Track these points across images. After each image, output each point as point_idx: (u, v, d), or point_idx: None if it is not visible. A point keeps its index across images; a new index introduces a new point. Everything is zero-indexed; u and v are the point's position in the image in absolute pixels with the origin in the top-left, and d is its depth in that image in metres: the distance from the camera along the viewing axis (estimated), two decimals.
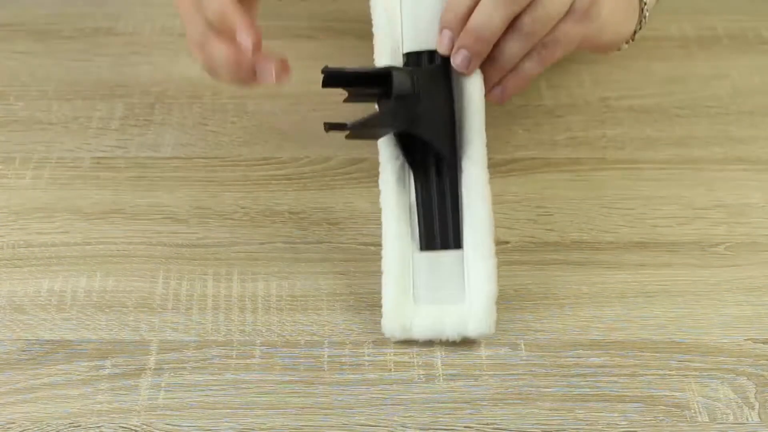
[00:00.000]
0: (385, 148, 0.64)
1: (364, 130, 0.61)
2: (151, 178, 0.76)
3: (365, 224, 0.72)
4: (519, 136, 0.80)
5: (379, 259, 0.67)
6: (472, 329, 0.62)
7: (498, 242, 0.70)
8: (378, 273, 0.68)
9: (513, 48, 0.62)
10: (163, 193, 0.75)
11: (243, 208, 0.74)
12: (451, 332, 0.62)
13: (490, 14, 0.60)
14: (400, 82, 0.60)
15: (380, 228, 0.70)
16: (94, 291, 0.67)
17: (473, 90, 0.62)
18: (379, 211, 0.71)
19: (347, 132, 0.59)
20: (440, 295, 0.63)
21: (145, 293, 0.67)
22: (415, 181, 0.64)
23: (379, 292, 0.67)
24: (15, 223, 0.72)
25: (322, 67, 0.61)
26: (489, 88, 0.63)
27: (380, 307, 0.66)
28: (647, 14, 0.70)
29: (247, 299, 0.67)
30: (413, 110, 0.61)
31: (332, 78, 0.61)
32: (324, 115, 0.80)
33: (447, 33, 0.61)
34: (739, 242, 0.72)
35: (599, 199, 0.75)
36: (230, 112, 0.82)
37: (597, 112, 0.83)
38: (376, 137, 0.64)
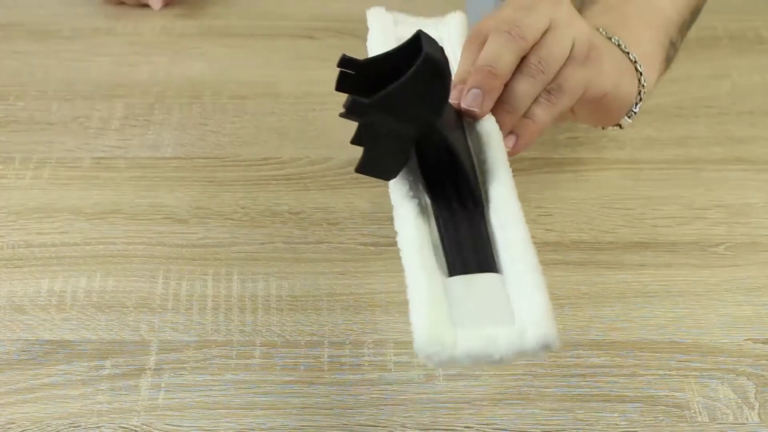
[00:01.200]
0: (397, 189, 0.58)
1: (380, 146, 0.56)
2: (151, 178, 0.76)
3: (365, 224, 0.72)
4: None
5: (379, 258, 0.68)
6: (531, 337, 0.49)
7: None
8: (378, 273, 0.68)
9: (522, 88, 0.62)
10: (163, 193, 0.75)
11: (243, 208, 0.74)
12: (506, 348, 0.50)
13: (499, 50, 0.61)
14: (430, 43, 0.55)
15: (380, 228, 0.71)
16: (94, 291, 0.67)
17: (490, 128, 0.60)
18: (379, 210, 0.72)
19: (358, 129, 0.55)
20: (483, 318, 0.52)
21: (145, 293, 0.67)
22: (435, 213, 0.57)
23: (380, 292, 0.67)
24: (15, 223, 0.72)
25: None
26: (503, 136, 0.61)
27: (380, 306, 0.66)
28: (644, 90, 0.70)
29: (247, 299, 0.67)
30: (440, 94, 0.55)
31: (348, 64, 0.56)
32: (324, 115, 0.81)
33: (459, 86, 0.61)
34: (739, 242, 0.72)
35: (599, 199, 0.75)
36: (230, 112, 0.82)
37: None
38: (394, 159, 0.58)
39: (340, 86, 0.56)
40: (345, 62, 0.56)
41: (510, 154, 0.61)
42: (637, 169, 0.77)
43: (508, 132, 0.62)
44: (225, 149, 0.79)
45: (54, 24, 0.92)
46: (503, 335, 0.50)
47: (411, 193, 0.57)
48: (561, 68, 0.63)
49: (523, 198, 0.74)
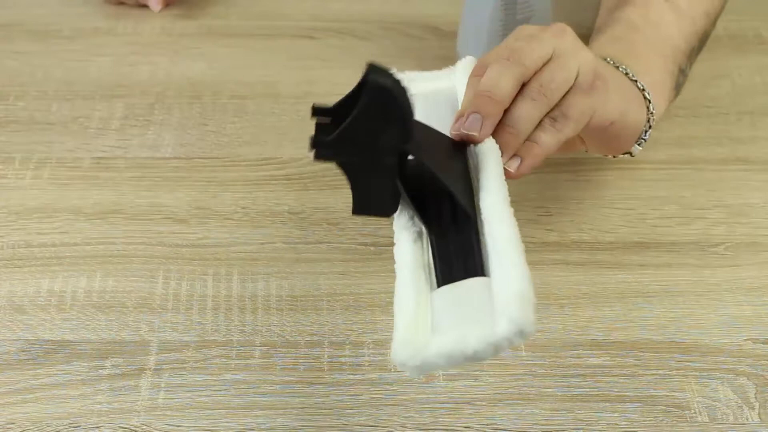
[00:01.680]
0: (397, 221, 0.58)
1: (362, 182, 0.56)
2: (151, 178, 0.76)
3: (365, 224, 0.72)
4: None
5: (379, 258, 0.68)
6: (501, 326, 0.49)
7: None
8: (378, 273, 0.68)
9: (523, 109, 0.62)
10: (163, 193, 0.75)
11: (243, 208, 0.74)
12: (477, 342, 0.49)
13: (497, 76, 0.61)
14: (378, 72, 0.54)
15: (379, 228, 0.71)
16: (94, 291, 0.67)
17: (487, 147, 0.60)
18: None
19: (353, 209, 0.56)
20: (461, 321, 0.52)
21: (145, 293, 0.67)
22: (429, 234, 0.57)
23: (380, 292, 0.67)
24: (15, 223, 0.72)
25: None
26: (506, 159, 0.61)
27: (380, 306, 0.66)
28: (653, 118, 0.70)
29: (247, 299, 0.67)
30: (399, 117, 0.55)
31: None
32: None
33: (459, 118, 0.61)
34: (739, 242, 0.72)
35: (599, 199, 0.75)
36: (230, 112, 0.82)
37: None
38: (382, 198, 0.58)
39: (318, 136, 0.56)
40: (317, 111, 0.56)
41: (514, 176, 0.61)
42: (637, 169, 0.77)
43: (512, 154, 0.62)
44: (225, 149, 0.79)
45: (54, 24, 0.92)
46: (475, 331, 0.49)
47: (410, 223, 0.57)
48: (565, 96, 0.63)
49: (523, 198, 0.74)
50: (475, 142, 0.60)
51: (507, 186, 0.57)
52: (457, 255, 0.55)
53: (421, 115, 0.57)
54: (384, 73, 0.54)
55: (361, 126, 0.54)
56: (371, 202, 0.57)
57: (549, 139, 0.63)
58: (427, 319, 0.52)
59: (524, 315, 0.49)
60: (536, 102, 0.62)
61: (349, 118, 0.54)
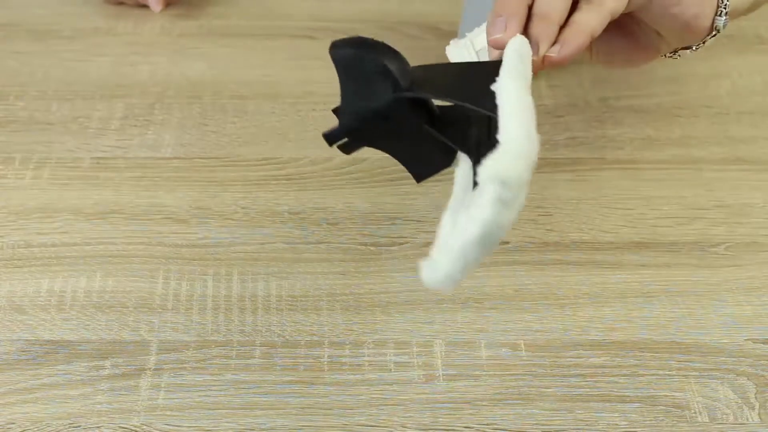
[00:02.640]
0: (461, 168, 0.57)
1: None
2: (151, 178, 0.76)
3: (365, 224, 0.72)
4: None
5: (379, 258, 0.68)
6: (484, 193, 0.45)
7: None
8: (378, 273, 0.68)
9: None
10: (163, 193, 0.75)
11: (243, 208, 0.74)
12: (473, 225, 0.46)
13: None
14: (341, 42, 0.54)
15: (379, 228, 0.71)
16: (94, 291, 0.67)
17: (509, 47, 0.56)
18: (379, 210, 0.72)
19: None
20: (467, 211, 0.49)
21: (145, 293, 0.67)
22: (470, 159, 0.55)
23: (379, 292, 0.67)
24: (15, 223, 0.72)
25: (328, 55, 0.56)
26: (546, 48, 0.58)
27: (380, 306, 0.66)
28: (728, 3, 0.64)
29: (247, 299, 0.67)
30: (377, 68, 0.54)
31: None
32: (324, 115, 0.81)
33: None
34: (739, 242, 0.72)
35: (599, 199, 0.75)
36: (230, 112, 0.82)
37: (597, 112, 0.83)
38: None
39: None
40: (330, 138, 0.56)
41: (558, 61, 0.58)
42: (637, 169, 0.77)
43: (550, 42, 0.58)
44: (225, 149, 0.79)
45: (54, 24, 0.92)
46: (469, 214, 0.46)
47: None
48: None
49: None
50: (504, 45, 0.57)
51: (527, 69, 0.54)
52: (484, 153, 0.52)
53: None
54: (342, 43, 0.53)
55: (352, 99, 0.54)
56: (423, 163, 0.56)
57: (588, 17, 0.59)
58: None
59: (499, 165, 0.45)
60: None
61: (341, 98, 0.53)
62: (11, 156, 0.78)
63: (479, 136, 0.55)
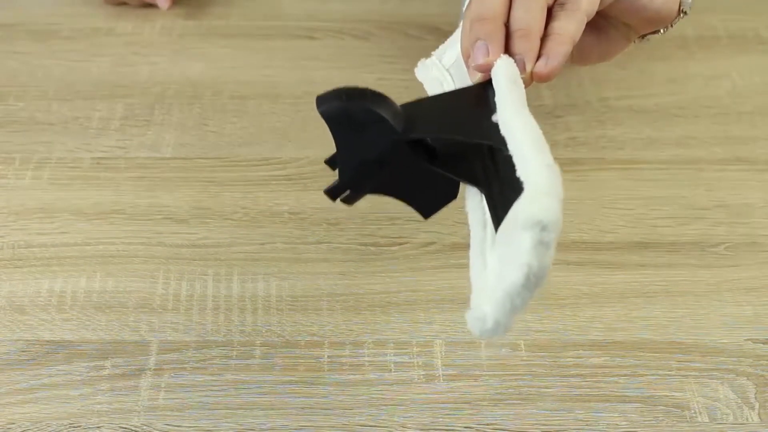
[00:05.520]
0: (470, 200, 0.56)
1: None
2: (151, 178, 0.76)
3: (365, 224, 0.72)
4: None
5: (379, 258, 0.68)
6: (524, 240, 0.44)
7: None
8: (378, 273, 0.68)
9: (521, 9, 0.57)
10: (163, 193, 0.75)
11: (243, 208, 0.74)
12: (516, 274, 0.45)
13: (481, 1, 0.58)
14: (328, 94, 0.54)
15: (379, 228, 0.71)
16: (94, 291, 0.67)
17: (496, 68, 0.55)
18: (379, 210, 0.72)
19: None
20: (504, 259, 0.48)
21: (145, 293, 0.67)
22: (481, 192, 0.55)
23: (380, 292, 0.67)
24: (15, 223, 0.72)
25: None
26: (531, 65, 0.57)
27: (380, 307, 0.66)
28: None
29: (247, 299, 0.67)
30: (367, 114, 0.53)
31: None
32: None
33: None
34: (739, 242, 0.72)
35: (599, 199, 0.75)
36: (230, 112, 0.82)
37: (597, 112, 0.83)
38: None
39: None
40: (333, 194, 0.57)
41: (545, 75, 0.57)
42: (637, 169, 0.77)
43: (535, 57, 0.57)
44: (225, 149, 0.79)
45: (54, 24, 0.92)
46: (511, 264, 0.44)
47: (474, 189, 0.55)
48: None
49: None
50: (489, 69, 0.56)
51: (521, 92, 0.53)
52: (501, 192, 0.52)
53: (460, 81, 0.55)
54: (328, 97, 0.53)
55: (349, 151, 0.54)
56: (428, 199, 0.56)
57: (567, 24, 0.58)
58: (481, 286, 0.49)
59: (535, 207, 0.44)
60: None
61: (337, 152, 0.53)
62: (11, 156, 0.78)
63: (484, 165, 0.55)
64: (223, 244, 0.71)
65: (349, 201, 0.57)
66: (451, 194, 0.56)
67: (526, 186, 0.46)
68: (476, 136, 0.53)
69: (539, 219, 0.43)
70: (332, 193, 0.56)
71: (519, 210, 0.45)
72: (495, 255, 0.50)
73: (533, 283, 0.45)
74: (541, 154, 0.48)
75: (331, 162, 0.56)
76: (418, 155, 0.55)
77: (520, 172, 0.47)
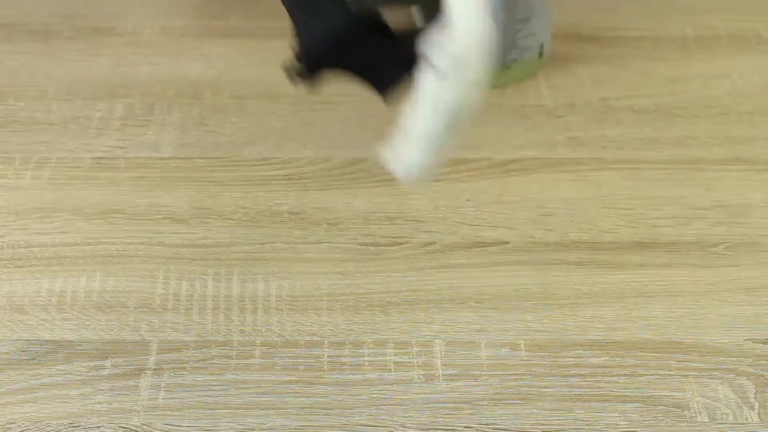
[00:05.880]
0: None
1: None
2: (151, 178, 0.76)
3: (365, 224, 0.72)
4: (519, 136, 0.80)
5: (379, 258, 0.68)
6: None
7: (498, 242, 0.71)
8: (378, 273, 0.68)
9: None
10: (163, 193, 0.75)
11: (243, 208, 0.74)
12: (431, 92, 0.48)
13: None
14: None
15: (379, 228, 0.71)
16: (94, 291, 0.67)
17: None
18: (379, 210, 0.72)
19: None
20: None
21: (145, 293, 0.67)
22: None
23: (379, 292, 0.67)
24: (15, 223, 0.72)
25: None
26: None
27: (380, 306, 0.66)
28: None
29: (247, 299, 0.67)
30: None
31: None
32: (324, 115, 0.81)
33: None
34: (739, 242, 0.72)
35: (599, 199, 0.75)
36: (230, 112, 0.82)
37: (597, 112, 0.83)
38: None
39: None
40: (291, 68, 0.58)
41: None
42: (637, 169, 0.77)
43: None
44: (225, 149, 0.79)
45: (54, 24, 0.92)
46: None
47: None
48: None
49: (523, 198, 0.74)
50: None
51: None
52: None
53: None
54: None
55: (307, 29, 0.58)
56: (385, 79, 0.56)
57: None
58: None
59: (454, 48, 0.46)
60: None
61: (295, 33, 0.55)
62: (11, 156, 0.78)
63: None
64: (223, 244, 0.71)
65: (307, 79, 0.56)
66: (406, 69, 0.55)
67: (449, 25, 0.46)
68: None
69: (455, 56, 0.46)
70: (290, 67, 0.56)
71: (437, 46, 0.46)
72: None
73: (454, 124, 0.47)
74: None
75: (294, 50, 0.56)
76: (375, 32, 0.55)
77: (448, 14, 0.48)
